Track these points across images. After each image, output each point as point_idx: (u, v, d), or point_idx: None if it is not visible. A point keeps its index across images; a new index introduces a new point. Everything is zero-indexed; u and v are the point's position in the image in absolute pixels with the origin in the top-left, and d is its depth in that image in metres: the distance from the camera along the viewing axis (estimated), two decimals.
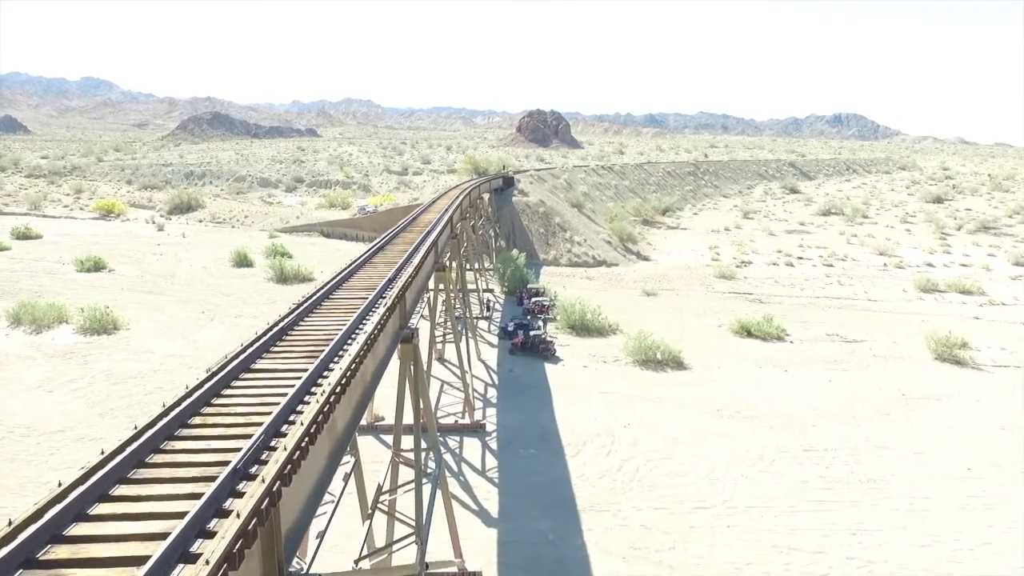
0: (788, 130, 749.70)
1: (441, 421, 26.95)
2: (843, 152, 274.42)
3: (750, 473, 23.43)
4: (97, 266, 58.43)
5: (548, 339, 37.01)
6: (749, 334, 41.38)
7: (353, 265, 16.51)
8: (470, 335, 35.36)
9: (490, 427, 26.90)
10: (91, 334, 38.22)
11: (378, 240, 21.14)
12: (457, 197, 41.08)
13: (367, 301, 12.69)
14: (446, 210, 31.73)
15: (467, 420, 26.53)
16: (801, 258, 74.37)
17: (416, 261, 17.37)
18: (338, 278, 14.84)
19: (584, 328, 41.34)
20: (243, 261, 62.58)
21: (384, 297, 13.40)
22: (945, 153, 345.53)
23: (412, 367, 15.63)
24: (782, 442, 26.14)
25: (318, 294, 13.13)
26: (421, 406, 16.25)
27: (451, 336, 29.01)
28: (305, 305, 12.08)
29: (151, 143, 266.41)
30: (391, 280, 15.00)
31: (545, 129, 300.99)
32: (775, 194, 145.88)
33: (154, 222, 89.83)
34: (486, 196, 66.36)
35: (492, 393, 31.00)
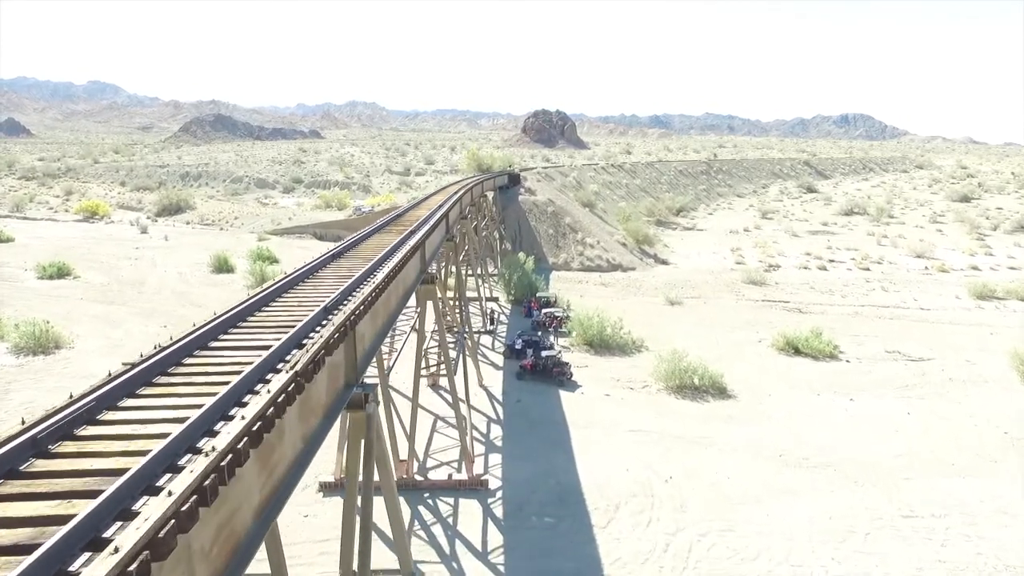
0: (795, 131, 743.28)
1: (432, 475, 21.09)
2: (854, 152, 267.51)
3: (842, 554, 17.47)
4: (60, 272, 52.87)
5: (563, 360, 31.07)
6: (797, 352, 35.39)
7: (282, 283, 10.69)
8: (469, 356, 29.50)
9: (494, 482, 21.00)
10: (25, 354, 32.54)
11: (337, 245, 15.34)
12: (456, 193, 35.24)
13: (267, 355, 6.85)
14: (440, 207, 25.94)
15: (464, 475, 20.65)
16: (833, 261, 68.36)
17: (380, 278, 11.54)
18: (244, 306, 9.01)
19: (604, 345, 35.42)
20: (223, 266, 56.95)
21: (303, 346, 7.56)
22: (957, 152, 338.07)
23: (366, 447, 9.79)
24: (872, 504, 20.17)
25: (188, 339, 7.31)
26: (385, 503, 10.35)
27: (449, 355, 23.13)
28: (144, 366, 6.25)
29: (152, 145, 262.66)
30: (328, 310, 9.15)
31: (551, 129, 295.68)
32: (792, 193, 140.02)
33: (137, 224, 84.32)
34: (490, 195, 60.56)
35: (496, 432, 25.10)
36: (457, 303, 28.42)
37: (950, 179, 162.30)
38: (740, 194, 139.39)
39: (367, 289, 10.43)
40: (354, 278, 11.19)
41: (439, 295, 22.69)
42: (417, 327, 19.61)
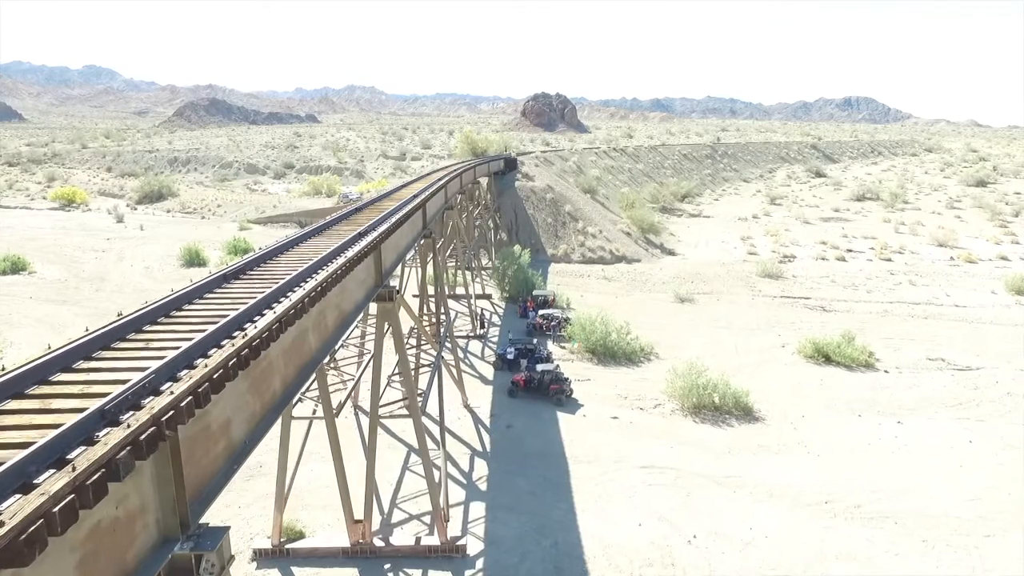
0: (797, 114, 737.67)
1: (395, 538, 16.82)
2: (859, 135, 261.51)
3: None
4: (15, 267, 48.61)
5: (562, 376, 26.74)
6: (827, 360, 31.10)
7: (87, 340, 6.34)
8: (450, 376, 25.21)
9: (473, 544, 16.80)
10: None
11: (244, 259, 10.99)
12: (440, 179, 30.69)
13: None
14: (414, 197, 21.50)
15: (435, 538, 16.42)
16: (851, 250, 63.93)
17: (264, 323, 7.21)
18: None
19: (608, 353, 31.12)
20: (194, 259, 52.61)
21: None
22: (964, 135, 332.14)
23: None
24: (952, 574, 15.98)
25: None
26: None
27: (415, 389, 18.93)
28: None
29: (144, 130, 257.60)
30: (105, 415, 4.80)
31: (551, 113, 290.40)
32: (799, 178, 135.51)
33: (113, 212, 79.84)
34: (484, 181, 55.99)
35: (480, 469, 20.83)
36: (436, 309, 24.07)
37: (962, 163, 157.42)
38: (746, 179, 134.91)
39: (222, 354, 6.10)
40: (221, 325, 6.85)
41: (411, 310, 18.33)
42: (374, 355, 15.26)
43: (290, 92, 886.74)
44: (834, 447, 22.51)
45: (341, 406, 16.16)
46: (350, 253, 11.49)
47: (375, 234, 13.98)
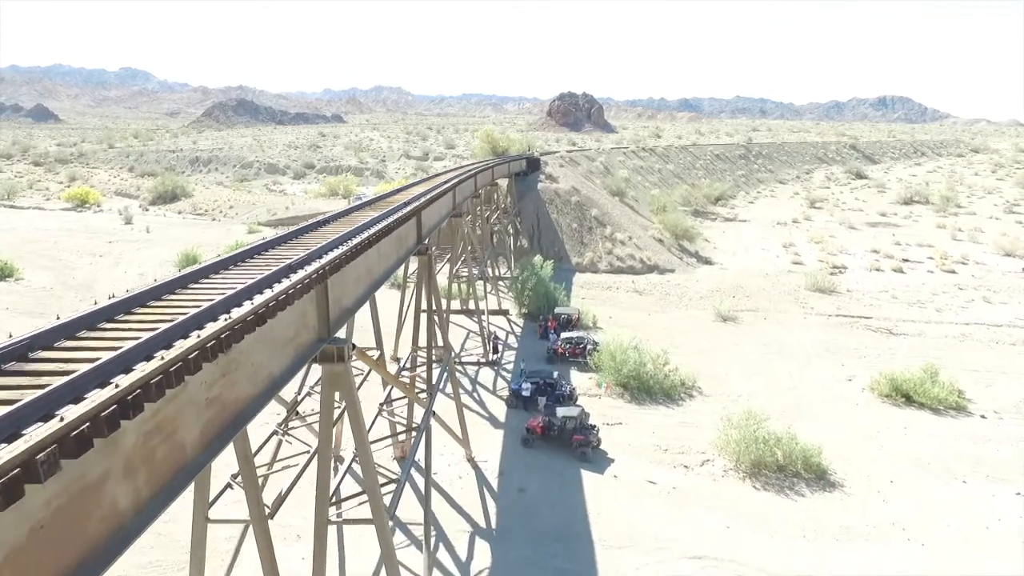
0: (830, 114, 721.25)
1: None
2: (897, 135, 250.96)
3: None
4: (2, 273, 45.39)
5: (587, 422, 21.98)
6: (907, 400, 25.88)
7: None
8: (455, 418, 20.62)
9: None
10: None
11: (115, 299, 6.63)
12: (450, 181, 26.15)
13: None
14: (405, 205, 16.98)
15: None
16: (907, 260, 57.95)
17: None
18: None
19: (643, 388, 26.26)
20: (191, 265, 48.94)
21: None
22: (1008, 135, 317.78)
23: None
24: None
25: None
26: None
27: (380, 500, 14.36)
28: None
29: (173, 130, 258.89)
30: None
31: (577, 112, 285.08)
32: (839, 180, 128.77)
33: (123, 214, 77.14)
34: (503, 182, 51.45)
35: (482, 558, 16.17)
36: (429, 344, 19.52)
37: (1014, 164, 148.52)
38: (782, 180, 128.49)
39: None
40: None
41: (382, 369, 13.79)
42: (319, 449, 10.72)
43: (318, 93, 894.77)
44: (941, 530, 17.42)
45: (280, 502, 11.71)
46: (243, 310, 6.99)
47: (312, 268, 9.49)
